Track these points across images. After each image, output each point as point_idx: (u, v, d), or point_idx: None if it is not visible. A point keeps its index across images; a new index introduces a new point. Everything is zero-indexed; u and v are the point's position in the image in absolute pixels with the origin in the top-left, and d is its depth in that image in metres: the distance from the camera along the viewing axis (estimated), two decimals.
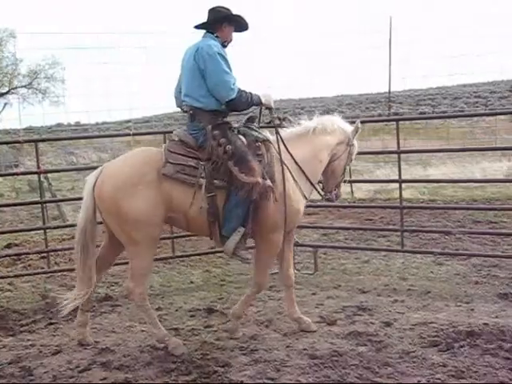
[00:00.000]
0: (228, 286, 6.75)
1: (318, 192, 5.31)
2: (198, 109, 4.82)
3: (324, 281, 6.73)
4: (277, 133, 5.00)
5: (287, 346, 4.77)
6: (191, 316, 5.73)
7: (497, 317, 5.21)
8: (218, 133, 4.74)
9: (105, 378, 4.32)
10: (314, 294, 6.25)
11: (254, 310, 5.77)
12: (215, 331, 5.25)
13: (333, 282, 6.67)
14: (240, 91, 4.75)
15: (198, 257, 8.00)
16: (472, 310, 5.44)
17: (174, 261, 7.87)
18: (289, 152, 4.99)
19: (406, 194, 12.02)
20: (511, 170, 17.57)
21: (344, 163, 5.35)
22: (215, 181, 4.70)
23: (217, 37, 4.91)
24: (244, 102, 4.80)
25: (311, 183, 5.10)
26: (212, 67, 4.69)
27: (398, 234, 7.44)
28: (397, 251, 7.31)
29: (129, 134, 7.97)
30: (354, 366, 4.26)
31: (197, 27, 5.00)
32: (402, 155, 7.70)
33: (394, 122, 7.63)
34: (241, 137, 4.86)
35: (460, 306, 5.59)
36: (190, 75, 4.82)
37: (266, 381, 4.13)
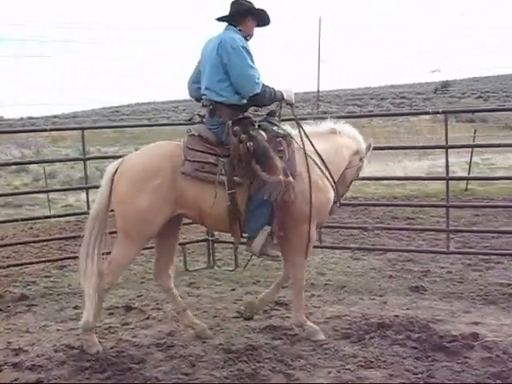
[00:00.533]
0: (148, 283, 6.71)
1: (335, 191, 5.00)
2: (218, 103, 4.71)
3: (244, 277, 6.80)
4: (300, 126, 4.90)
5: (204, 342, 4.80)
6: (109, 314, 5.67)
7: (408, 309, 5.42)
8: (238, 128, 4.60)
9: (16, 379, 4.22)
10: (233, 289, 6.31)
11: (171, 306, 5.76)
12: (132, 329, 5.22)
13: (252, 277, 6.76)
14: (264, 86, 4.66)
15: None
16: (384, 302, 5.64)
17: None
18: (312, 145, 4.86)
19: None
20: (431, 169, 18.17)
21: (353, 176, 5.27)
22: (235, 177, 4.60)
23: (239, 30, 4.79)
24: (268, 97, 4.72)
25: (333, 180, 4.91)
26: (236, 61, 4.58)
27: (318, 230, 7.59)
28: (316, 247, 7.45)
29: (45, 130, 7.80)
30: (268, 360, 4.34)
31: (219, 19, 4.87)
32: None
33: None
34: (262, 132, 4.70)
35: (374, 299, 5.78)
36: (211, 68, 4.71)
37: (181, 376, 4.14)
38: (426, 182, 13.74)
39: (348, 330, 4.89)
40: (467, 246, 7.75)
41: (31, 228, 10.59)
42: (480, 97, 63.45)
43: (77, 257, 7.29)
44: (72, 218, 10.51)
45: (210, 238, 7.38)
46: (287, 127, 4.95)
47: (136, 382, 4.08)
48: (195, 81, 4.98)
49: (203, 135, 4.71)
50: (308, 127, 5.02)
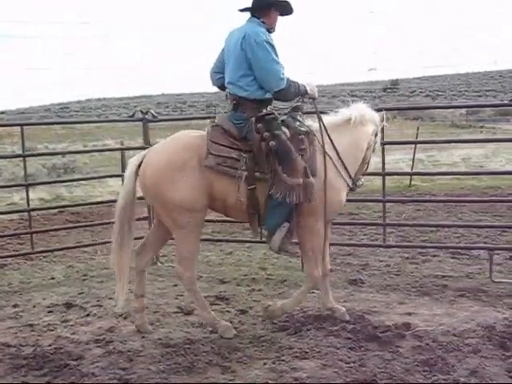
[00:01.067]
0: (90, 280, 6.69)
1: (353, 183, 5.08)
2: (242, 98, 4.71)
3: None
4: (321, 121, 4.90)
5: (143, 337, 4.82)
6: (49, 312, 5.63)
7: (345, 301, 5.54)
8: (261, 126, 4.63)
9: None
10: (175, 285, 6.31)
11: (112, 303, 5.74)
12: (72, 325, 5.19)
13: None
14: (289, 81, 4.65)
15: (61, 252, 7.85)
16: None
17: (37, 257, 7.70)
18: (332, 143, 4.87)
19: None
20: (378, 165, 18.52)
21: (371, 153, 5.31)
22: (256, 173, 4.64)
23: (263, 22, 4.73)
24: (292, 91, 4.71)
25: (349, 175, 4.96)
26: (260, 56, 4.56)
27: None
28: (258, 242, 7.54)
29: None
30: (205, 353, 4.39)
31: (242, 10, 4.81)
32: None
33: None
34: (285, 130, 4.69)
35: (313, 292, 5.84)
36: (235, 63, 4.69)
37: (117, 371, 4.16)
38: (371, 177, 13.96)
39: (286, 322, 4.99)
40: (406, 239, 7.97)
41: None
42: (428, 95, 64.88)
43: (18, 255, 7.33)
44: (15, 216, 10.33)
45: None
46: (309, 122, 4.99)
47: (73, 378, 4.09)
48: (217, 70, 5.00)
49: (226, 128, 4.74)
50: (327, 118, 5.02)
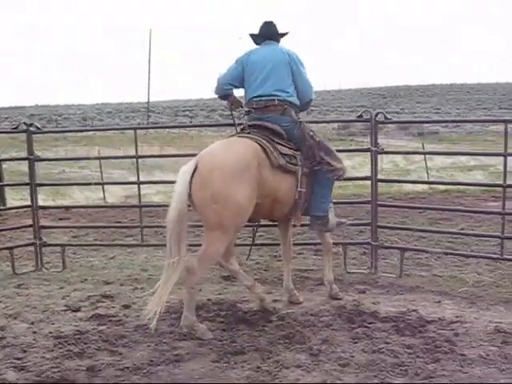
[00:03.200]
0: None
1: None
2: (291, 103, 5.47)
3: (72, 276, 7.22)
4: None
5: (34, 332, 5.20)
6: None
7: (220, 294, 6.23)
8: (304, 126, 5.56)
9: None
10: (61, 288, 6.70)
11: (1, 306, 6.06)
12: None
13: (80, 277, 7.19)
14: None
15: None
16: (200, 290, 6.37)
17: None
18: None
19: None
20: None
21: None
22: (304, 168, 5.39)
23: None
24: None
25: None
26: (302, 70, 5.55)
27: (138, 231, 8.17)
28: (137, 245, 8.07)
29: None
30: (95, 341, 4.87)
31: (258, 36, 5.71)
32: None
33: (153, 131, 8.41)
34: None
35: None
36: (281, 75, 5.44)
37: (13, 360, 4.54)
38: None
39: (166, 313, 5.56)
40: (274, 239, 8.76)
41: None
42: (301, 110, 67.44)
43: None
44: None
45: (38, 242, 7.67)
46: None
47: None
48: (230, 82, 5.66)
49: (278, 131, 5.39)
50: None
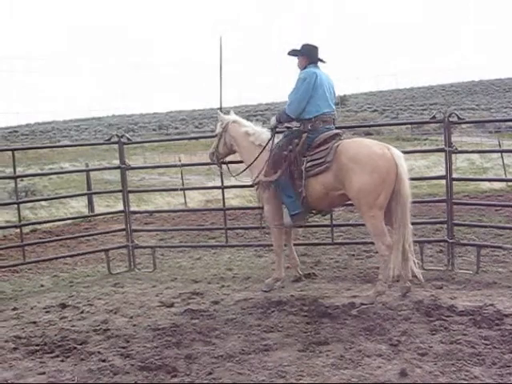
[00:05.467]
0: (77, 286, 7.54)
1: None
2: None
3: (162, 276, 7.77)
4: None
5: (134, 325, 5.75)
6: (46, 312, 6.47)
7: (302, 290, 6.59)
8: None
9: None
10: (154, 286, 7.25)
11: (102, 302, 6.65)
12: (70, 321, 6.06)
13: (170, 276, 7.72)
14: None
15: (45, 264, 8.67)
16: (283, 287, 6.77)
17: (22, 269, 8.49)
18: None
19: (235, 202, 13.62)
20: None
21: None
22: None
23: None
24: None
25: None
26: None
27: (223, 232, 8.63)
28: (222, 246, 8.53)
29: None
30: (189, 333, 5.35)
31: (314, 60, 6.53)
32: None
33: None
34: None
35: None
36: (332, 94, 6.49)
37: (119, 349, 5.08)
38: None
39: (253, 308, 5.99)
40: (350, 239, 9.07)
41: None
42: (376, 110, 66.94)
43: (8, 266, 8.10)
44: None
45: (131, 244, 8.26)
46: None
47: (81, 356, 4.98)
48: (304, 105, 6.36)
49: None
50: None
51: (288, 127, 6.75)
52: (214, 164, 7.48)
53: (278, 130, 6.77)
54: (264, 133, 6.86)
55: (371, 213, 5.93)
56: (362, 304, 5.80)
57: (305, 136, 6.34)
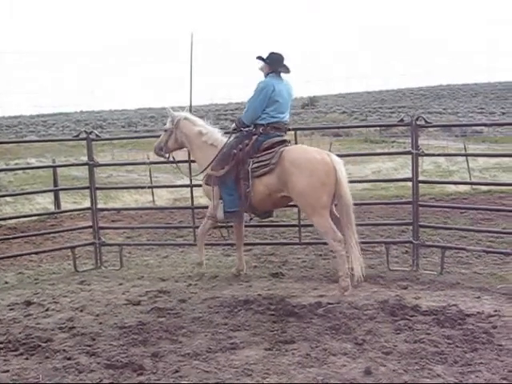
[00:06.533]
0: (42, 283, 7.45)
1: None
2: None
3: (129, 274, 7.73)
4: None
5: (100, 323, 5.71)
6: (10, 309, 6.38)
7: (269, 289, 6.63)
8: None
9: None
10: (120, 284, 7.21)
11: (67, 299, 6.60)
12: (35, 318, 6.00)
13: (137, 274, 7.69)
14: None
15: (9, 261, 8.54)
16: (250, 286, 6.80)
17: None
18: None
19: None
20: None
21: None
22: None
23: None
24: None
25: None
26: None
27: (191, 230, 8.64)
28: (190, 245, 8.50)
29: None
30: (156, 331, 5.33)
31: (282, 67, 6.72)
32: None
33: None
34: None
35: (241, 284, 6.93)
36: (288, 103, 6.76)
37: (84, 347, 5.04)
38: None
39: (220, 306, 6.01)
40: (317, 239, 9.11)
41: None
42: (345, 112, 67.46)
43: None
44: None
45: (98, 242, 8.20)
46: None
47: (47, 354, 4.93)
48: (259, 113, 6.63)
49: None
50: None
51: (241, 130, 6.89)
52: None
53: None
54: (216, 132, 7.15)
55: (316, 213, 6.28)
56: (329, 303, 5.87)
57: (255, 138, 6.65)
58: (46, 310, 6.28)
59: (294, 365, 4.48)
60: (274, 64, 6.69)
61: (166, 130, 7.42)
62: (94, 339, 5.24)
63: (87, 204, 8.73)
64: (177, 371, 4.45)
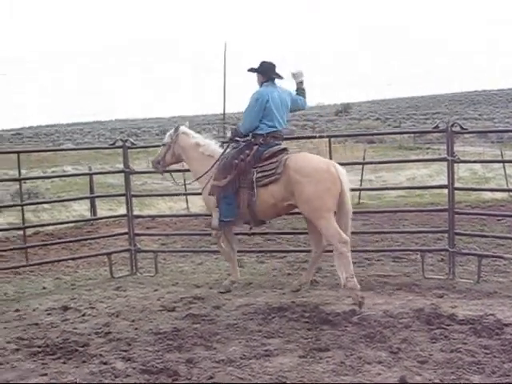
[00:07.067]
0: (79, 289, 7.57)
1: None
2: None
3: (164, 280, 7.81)
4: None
5: (135, 329, 5.78)
6: (48, 314, 6.51)
7: (303, 297, 6.62)
8: None
9: None
10: (155, 290, 7.29)
11: (104, 305, 6.69)
12: (72, 323, 6.10)
13: (172, 280, 7.76)
14: None
15: (47, 266, 8.70)
16: (283, 293, 6.81)
17: (24, 271, 8.54)
18: None
19: None
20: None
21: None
22: None
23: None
24: None
25: None
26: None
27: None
28: None
29: None
30: (191, 337, 5.38)
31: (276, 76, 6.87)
32: None
33: None
34: None
35: (275, 291, 6.94)
36: (283, 110, 6.85)
37: (120, 352, 5.11)
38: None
39: (254, 313, 6.02)
40: (353, 247, 9.07)
41: None
42: (378, 119, 66.99)
43: (9, 268, 8.15)
44: None
45: (133, 248, 8.30)
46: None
47: (83, 358, 5.01)
48: (257, 124, 6.73)
49: None
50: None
51: (237, 141, 7.01)
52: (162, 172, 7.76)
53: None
54: (212, 144, 7.30)
55: (322, 217, 6.32)
56: (364, 311, 5.84)
57: (255, 148, 6.71)
58: (83, 315, 6.38)
59: (328, 373, 4.47)
60: (267, 72, 6.85)
61: (164, 145, 7.56)
62: (129, 344, 5.31)
63: (122, 211, 8.85)
64: (211, 377, 4.48)
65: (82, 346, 5.31)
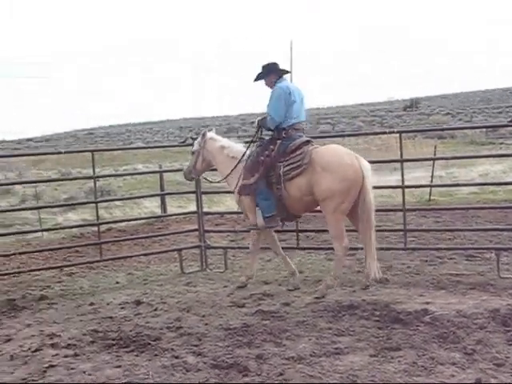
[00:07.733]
0: (151, 284, 7.74)
1: None
2: None
3: (234, 276, 7.86)
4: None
5: (206, 324, 5.85)
6: (121, 308, 6.68)
7: (373, 295, 6.54)
8: None
9: (56, 354, 5.23)
10: (225, 286, 7.36)
11: (175, 300, 6.81)
12: (144, 317, 6.24)
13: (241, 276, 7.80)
14: None
15: (120, 262, 8.94)
16: (354, 291, 6.74)
17: (99, 266, 8.80)
18: None
19: None
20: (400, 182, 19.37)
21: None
22: None
23: None
24: None
25: None
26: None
27: (294, 234, 8.66)
28: (293, 248, 8.53)
29: (60, 152, 8.74)
30: (260, 333, 5.40)
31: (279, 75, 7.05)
32: None
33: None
34: None
35: (344, 289, 6.87)
36: (302, 103, 7.01)
37: (191, 347, 5.18)
38: (393, 194, 14.90)
39: (324, 311, 5.99)
40: (424, 245, 8.91)
41: (29, 244, 11.47)
42: (448, 113, 65.38)
43: (85, 263, 8.40)
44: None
45: (203, 245, 8.41)
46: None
47: (156, 352, 5.11)
48: (283, 119, 6.86)
49: None
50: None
51: (261, 138, 7.26)
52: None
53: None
54: (237, 146, 7.48)
55: (335, 216, 6.53)
56: (436, 311, 5.71)
57: (279, 143, 6.85)
58: (155, 309, 6.51)
59: (399, 373, 4.39)
60: (276, 71, 7.02)
61: (193, 152, 7.68)
62: (200, 339, 5.38)
63: (192, 208, 8.99)
64: (281, 374, 4.48)
65: (154, 340, 5.42)
